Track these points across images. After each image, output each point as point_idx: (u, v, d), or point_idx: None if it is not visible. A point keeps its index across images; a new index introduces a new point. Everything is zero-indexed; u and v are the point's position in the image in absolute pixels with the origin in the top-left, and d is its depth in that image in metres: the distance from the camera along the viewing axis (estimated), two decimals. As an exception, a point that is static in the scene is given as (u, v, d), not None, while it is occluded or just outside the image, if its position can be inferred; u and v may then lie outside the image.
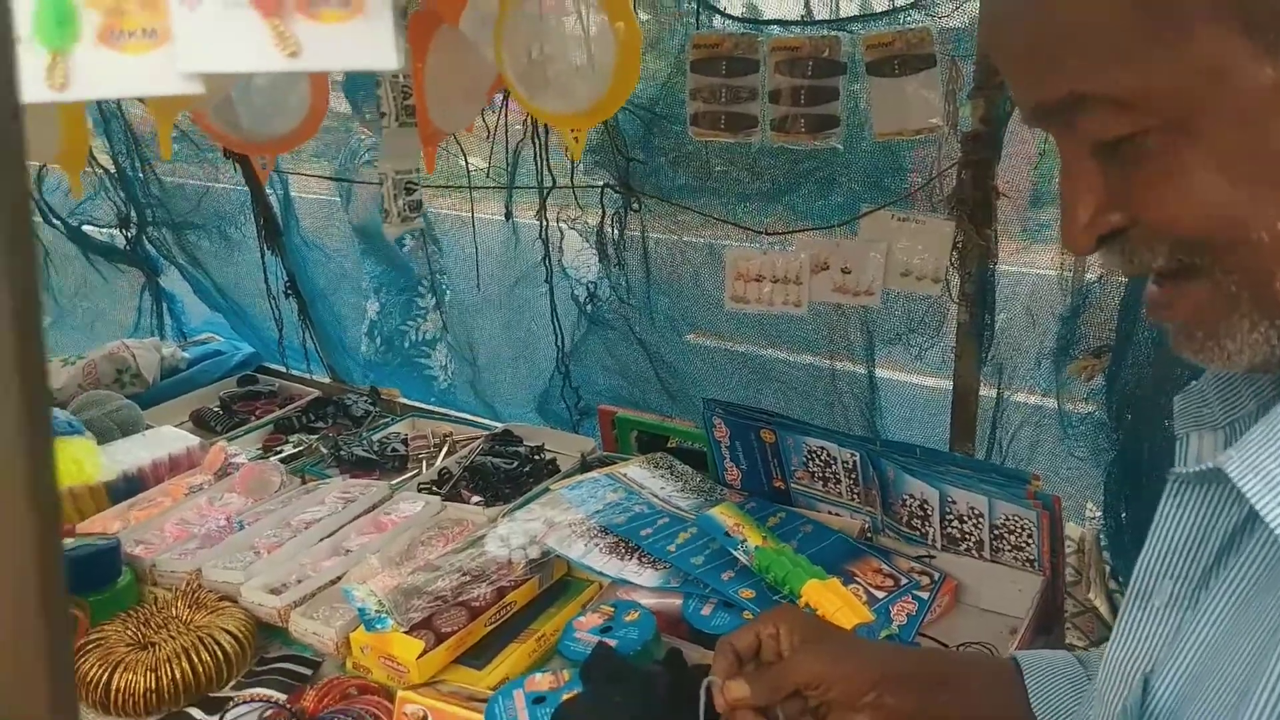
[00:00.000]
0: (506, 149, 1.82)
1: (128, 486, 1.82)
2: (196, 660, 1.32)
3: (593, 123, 1.14)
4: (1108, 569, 1.49)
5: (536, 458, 1.82)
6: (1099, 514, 1.52)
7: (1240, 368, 0.54)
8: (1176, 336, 0.56)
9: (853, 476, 1.54)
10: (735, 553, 1.40)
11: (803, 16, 1.49)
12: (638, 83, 1.09)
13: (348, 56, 0.42)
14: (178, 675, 1.30)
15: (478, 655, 1.32)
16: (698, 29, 1.54)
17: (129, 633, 1.37)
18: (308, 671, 1.35)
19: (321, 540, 1.60)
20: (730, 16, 1.53)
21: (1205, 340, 0.53)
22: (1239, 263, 0.50)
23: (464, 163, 1.78)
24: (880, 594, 1.39)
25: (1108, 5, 0.48)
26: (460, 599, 1.37)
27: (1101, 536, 1.50)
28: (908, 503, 1.48)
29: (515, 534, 1.46)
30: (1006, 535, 1.39)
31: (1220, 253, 0.50)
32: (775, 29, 1.49)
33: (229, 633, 1.37)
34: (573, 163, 1.75)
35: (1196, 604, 0.59)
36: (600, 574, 1.42)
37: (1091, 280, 1.41)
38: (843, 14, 1.45)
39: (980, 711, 0.85)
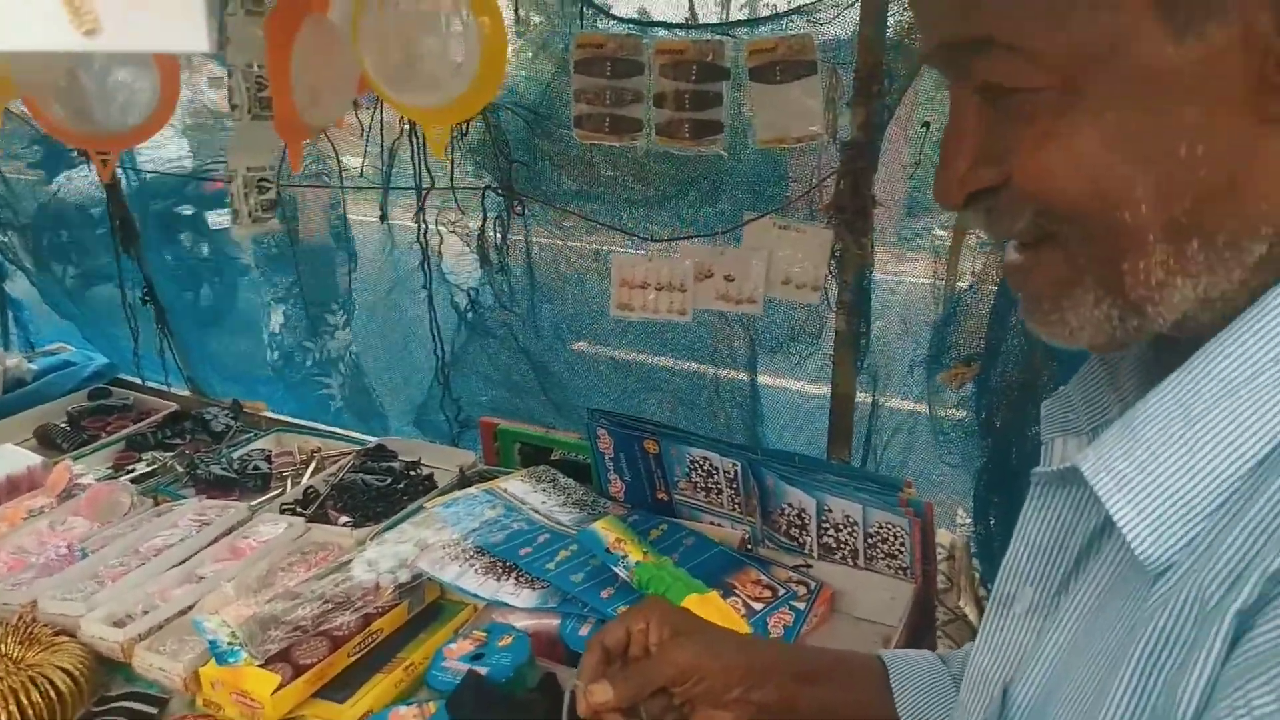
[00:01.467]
0: (382, 147, 1.74)
1: (-42, 512, 1.66)
2: (26, 702, 1.20)
3: (457, 119, 1.09)
4: (977, 576, 1.52)
5: (412, 473, 1.74)
6: (969, 520, 1.55)
7: (1082, 343, 0.53)
8: (1026, 305, 0.56)
9: (734, 486, 1.52)
10: (616, 569, 1.37)
11: (686, 20, 1.47)
12: (503, 79, 1.05)
13: (153, 37, 0.36)
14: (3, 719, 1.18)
15: (340, 688, 1.24)
16: (582, 29, 1.50)
17: (-51, 675, 1.23)
18: (153, 710, 1.24)
19: (172, 567, 1.49)
20: (614, 17, 1.50)
21: (1050, 312, 0.53)
22: (1097, 237, 0.49)
23: (335, 161, 1.69)
24: (758, 605, 1.38)
25: None
26: (321, 628, 1.29)
27: (971, 543, 1.53)
28: (786, 512, 1.48)
29: (384, 557, 1.38)
30: (880, 543, 1.40)
31: (1081, 225, 0.50)
32: (660, 31, 1.47)
33: (64, 670, 1.26)
34: (452, 164, 1.68)
35: (1056, 610, 0.59)
36: (475, 596, 1.36)
37: (963, 289, 1.44)
38: (726, 19, 1.44)
39: (845, 708, 0.85)
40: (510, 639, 1.26)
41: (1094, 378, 0.64)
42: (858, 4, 1.33)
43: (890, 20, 1.28)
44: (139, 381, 2.36)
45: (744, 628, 1.26)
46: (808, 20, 1.37)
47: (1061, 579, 0.59)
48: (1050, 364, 1.21)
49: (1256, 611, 0.41)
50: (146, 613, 1.37)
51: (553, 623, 1.33)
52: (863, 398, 1.58)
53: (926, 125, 1.33)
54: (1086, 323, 0.52)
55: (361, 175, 1.80)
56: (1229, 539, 0.45)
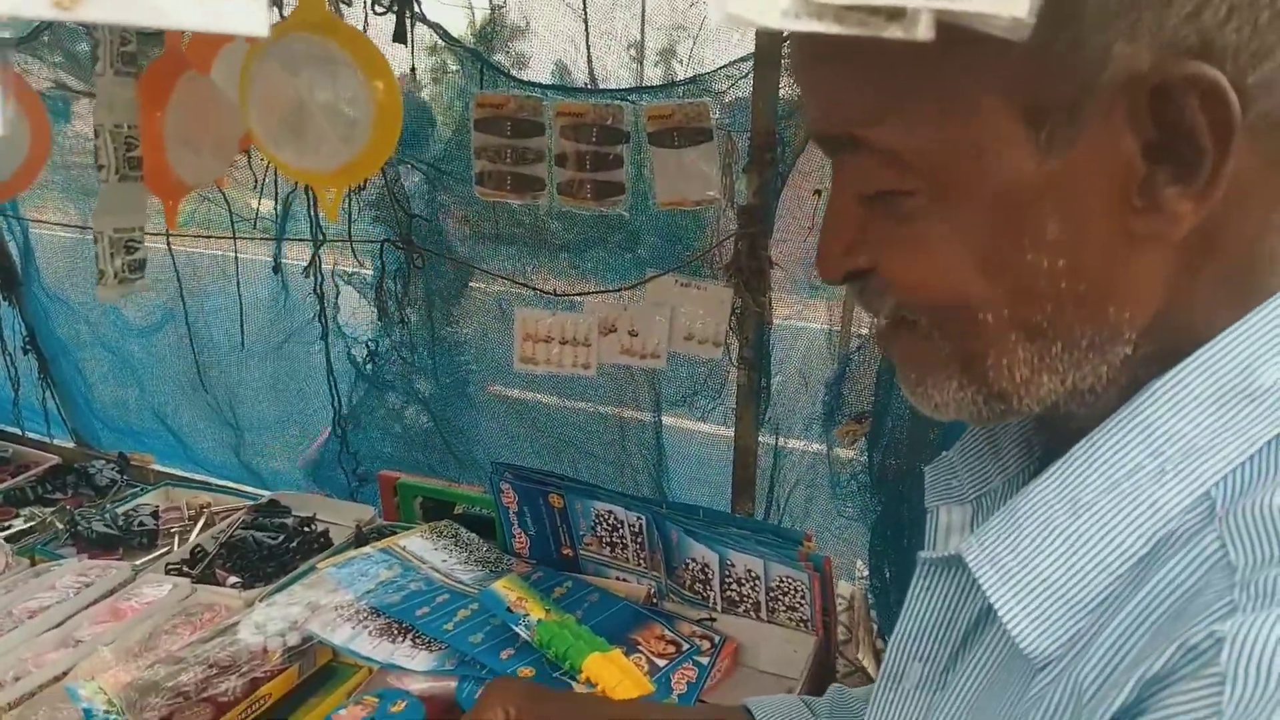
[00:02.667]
0: (275, 197, 1.71)
1: None
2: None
3: (347, 182, 1.08)
4: (875, 628, 1.55)
5: (306, 530, 1.68)
6: (867, 573, 1.59)
7: (949, 417, 0.54)
8: (898, 372, 0.57)
9: (639, 541, 1.52)
10: (517, 629, 1.35)
11: (586, 84, 1.50)
12: (395, 144, 1.04)
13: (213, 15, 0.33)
14: None
15: (224, 759, 1.19)
16: (482, 88, 1.51)
17: None
18: (17, 790, 1.17)
19: (48, 630, 1.41)
20: (514, 79, 1.51)
21: (916, 385, 0.54)
22: (958, 333, 0.50)
23: (227, 209, 1.66)
24: (662, 662, 1.37)
25: (900, 60, 0.45)
26: (206, 694, 1.24)
27: (869, 595, 1.56)
28: (690, 566, 1.48)
29: (273, 619, 1.33)
30: (781, 596, 1.42)
31: (941, 320, 0.50)
32: (558, 94, 1.49)
33: (-79, 747, 1.18)
34: (350, 217, 1.66)
35: (944, 687, 0.59)
36: (368, 660, 1.32)
37: (853, 349, 1.48)
38: (623, 83, 1.47)
39: None
40: (403, 704, 1.23)
41: (976, 445, 0.64)
42: (751, 75, 1.38)
43: (782, 90, 1.33)
44: (19, 433, 2.24)
45: (647, 686, 1.26)
46: (702, 89, 1.41)
47: (949, 656, 0.59)
48: (935, 422, 1.26)
49: (1128, 714, 0.41)
50: (18, 679, 1.28)
51: (450, 685, 1.30)
52: (765, 450, 1.60)
53: (819, 192, 1.38)
54: (950, 402, 0.52)
55: (255, 225, 1.76)
56: (1104, 633, 0.45)
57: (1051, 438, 0.52)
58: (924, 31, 0.34)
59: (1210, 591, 0.41)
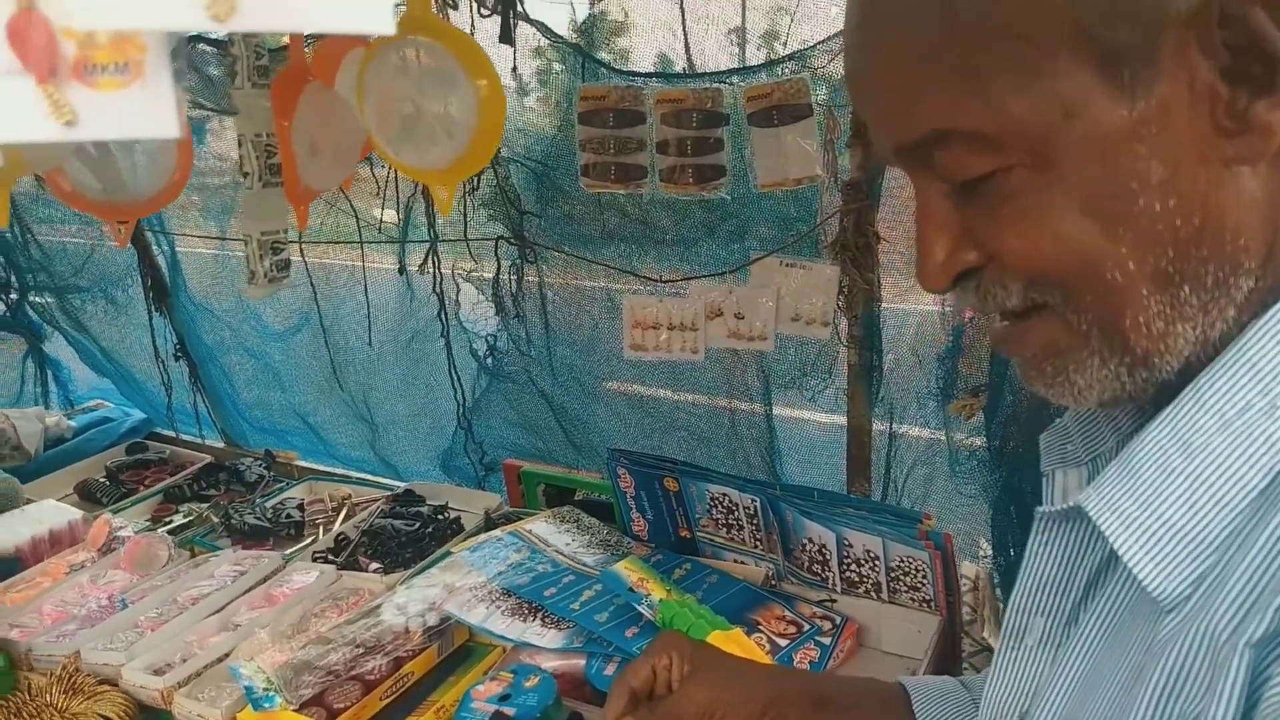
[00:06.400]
0: (398, 203, 1.80)
1: (5, 567, 1.72)
2: (72, 751, 1.25)
3: (457, 178, 1.14)
4: (1001, 606, 1.51)
5: (440, 517, 1.77)
6: (991, 551, 1.55)
7: (1090, 403, 0.54)
8: (1026, 370, 0.56)
9: (755, 522, 1.54)
10: (639, 608, 1.38)
11: (684, 69, 1.51)
12: (500, 139, 1.09)
13: (127, 125, 0.40)
14: (50, 769, 1.22)
15: (373, 731, 1.27)
16: (584, 82, 1.55)
17: (-3, 726, 1.29)
18: (193, 759, 1.28)
19: (209, 616, 1.53)
20: (615, 70, 1.54)
21: (1055, 375, 0.54)
22: (1092, 301, 0.50)
23: (355, 218, 1.76)
24: (783, 642, 1.39)
25: (965, 42, 0.47)
26: (354, 672, 1.33)
27: (994, 574, 1.52)
28: (807, 547, 1.49)
29: (413, 601, 1.41)
30: (902, 576, 1.40)
31: (1074, 291, 0.50)
32: (658, 82, 1.51)
33: (107, 718, 1.30)
34: (465, 216, 1.73)
35: (1068, 640, 0.59)
36: (502, 638, 1.38)
37: (966, 320, 1.45)
38: (722, 67, 1.48)
39: None
40: (536, 680, 1.28)
41: (1090, 410, 0.64)
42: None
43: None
44: (174, 435, 2.43)
45: (768, 664, 1.27)
46: (801, 65, 1.40)
47: (1071, 610, 0.59)
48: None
49: (1272, 640, 0.42)
50: (185, 660, 1.40)
51: (579, 662, 1.35)
52: (879, 430, 1.59)
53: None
54: (1095, 382, 0.52)
55: (380, 230, 1.85)
56: (1235, 574, 0.45)
57: (1162, 392, 0.51)
58: None
59: None
